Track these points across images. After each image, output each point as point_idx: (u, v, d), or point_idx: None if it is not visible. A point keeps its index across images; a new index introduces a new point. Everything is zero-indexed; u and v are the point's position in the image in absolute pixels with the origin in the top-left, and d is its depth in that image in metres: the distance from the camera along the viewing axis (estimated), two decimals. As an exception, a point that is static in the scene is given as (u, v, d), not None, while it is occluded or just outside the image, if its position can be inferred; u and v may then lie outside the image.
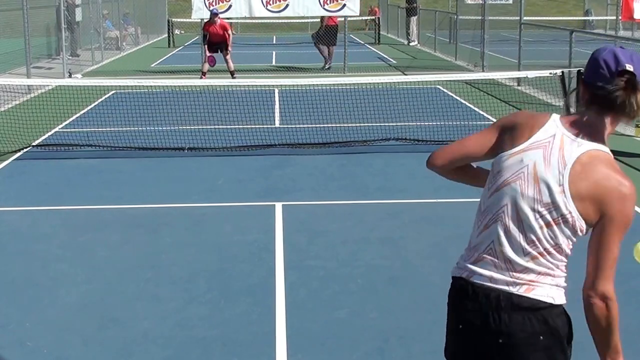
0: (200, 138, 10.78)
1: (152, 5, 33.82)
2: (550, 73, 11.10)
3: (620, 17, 19.40)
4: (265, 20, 31.97)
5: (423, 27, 28.91)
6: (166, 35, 30.82)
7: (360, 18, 32.13)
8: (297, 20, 32.25)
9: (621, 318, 5.39)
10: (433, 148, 11.54)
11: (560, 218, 2.52)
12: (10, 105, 14.10)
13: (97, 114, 13.21)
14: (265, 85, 14.38)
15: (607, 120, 2.56)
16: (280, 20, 32.60)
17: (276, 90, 15.30)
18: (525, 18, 17.90)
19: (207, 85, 13.71)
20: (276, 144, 10.68)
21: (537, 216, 2.54)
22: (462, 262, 2.72)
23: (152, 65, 22.46)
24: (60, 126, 12.16)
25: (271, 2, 18.68)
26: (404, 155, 10.16)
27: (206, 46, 17.98)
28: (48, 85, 14.89)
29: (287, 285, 5.77)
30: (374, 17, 33.19)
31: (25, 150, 10.45)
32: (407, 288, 5.76)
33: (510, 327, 2.58)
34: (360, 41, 31.30)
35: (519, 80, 16.34)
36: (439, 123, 11.84)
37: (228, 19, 19.74)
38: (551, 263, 2.59)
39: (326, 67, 20.53)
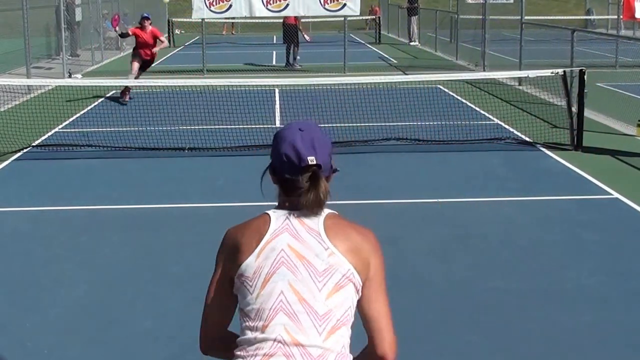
0: (201, 138, 10.77)
1: (152, 5, 33.81)
2: (552, 72, 11.08)
3: (621, 17, 19.38)
4: (265, 20, 31.92)
5: (424, 26, 28.90)
6: (166, 35, 30.81)
7: (361, 17, 32.10)
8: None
9: (621, 317, 5.40)
10: (434, 148, 11.51)
11: (343, 280, 2.38)
12: (10, 106, 14.09)
13: (97, 114, 13.20)
14: (265, 85, 14.37)
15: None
16: (280, 20, 32.56)
17: (276, 90, 15.29)
18: (526, 17, 17.88)
19: (207, 85, 13.69)
20: (276, 144, 10.65)
21: (320, 286, 2.34)
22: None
23: (152, 65, 22.43)
24: (60, 126, 12.15)
25: (271, 2, 18.66)
26: (405, 155, 10.15)
27: (134, 59, 15.07)
28: (48, 86, 14.88)
29: (287, 286, 5.75)
30: (374, 17, 33.18)
31: (25, 150, 10.45)
32: (407, 288, 5.74)
33: None
34: (360, 41, 31.29)
35: (520, 80, 16.32)
36: (439, 123, 11.83)
37: (228, 18, 19.74)
38: (345, 340, 2.42)
39: (296, 67, 20.69)
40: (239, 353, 2.35)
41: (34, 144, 10.79)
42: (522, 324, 5.12)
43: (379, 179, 8.89)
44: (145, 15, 15.13)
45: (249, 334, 2.34)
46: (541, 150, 10.38)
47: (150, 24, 14.95)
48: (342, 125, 11.97)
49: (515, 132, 11.48)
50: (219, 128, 11.66)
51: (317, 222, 2.51)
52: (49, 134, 11.64)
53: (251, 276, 2.38)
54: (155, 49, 15.03)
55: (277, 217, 2.51)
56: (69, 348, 4.81)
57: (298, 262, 2.37)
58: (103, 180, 9.00)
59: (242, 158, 10.03)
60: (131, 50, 16.33)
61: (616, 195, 8.16)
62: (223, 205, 7.95)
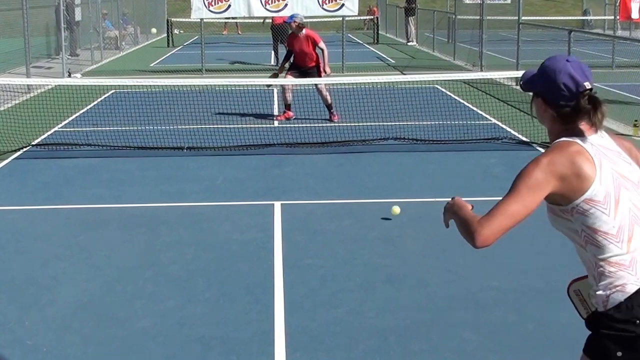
0: (200, 137, 10.80)
1: (151, 4, 33.82)
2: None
3: (618, 17, 19.42)
4: (265, 20, 31.95)
5: (421, 26, 28.92)
6: (165, 35, 30.83)
7: (359, 18, 32.14)
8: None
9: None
10: (431, 147, 11.50)
11: None
12: (9, 105, 14.11)
13: (96, 114, 13.23)
14: (265, 85, 14.38)
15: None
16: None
17: (275, 90, 15.32)
18: (523, 18, 17.91)
19: (207, 85, 13.72)
20: (275, 144, 10.70)
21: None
22: (630, 278, 2.77)
23: (151, 65, 22.47)
24: (60, 125, 12.17)
25: (270, 2, 18.69)
26: (403, 154, 10.18)
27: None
28: (47, 85, 14.91)
29: (285, 284, 5.79)
30: (372, 17, 33.21)
31: (25, 149, 10.47)
32: (405, 287, 5.78)
33: None
34: (358, 41, 31.30)
35: (517, 80, 16.35)
36: (437, 123, 11.87)
37: (229, 18, 19.76)
38: None
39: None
40: (615, 259, 2.79)
41: (33, 143, 10.82)
42: (521, 322, 5.15)
43: (376, 179, 8.92)
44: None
45: (616, 249, 2.78)
46: (538, 150, 10.42)
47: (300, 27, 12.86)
48: (341, 124, 12.00)
49: (513, 131, 11.52)
50: (217, 127, 11.69)
51: (610, 142, 2.91)
52: (49, 133, 11.66)
53: (602, 200, 2.78)
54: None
55: (586, 145, 2.83)
56: (67, 346, 4.84)
57: (624, 181, 2.83)
58: (102, 179, 9.02)
59: (241, 157, 10.05)
60: (130, 50, 16.26)
61: (613, 195, 8.19)
62: (222, 205, 7.98)
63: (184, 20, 33.31)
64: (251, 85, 14.31)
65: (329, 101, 12.62)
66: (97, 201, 8.10)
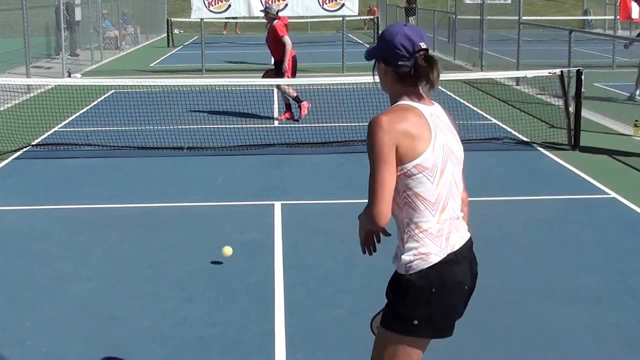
0: (200, 137, 10.80)
1: (151, 5, 33.82)
2: (549, 72, 11.12)
3: (618, 17, 19.42)
4: (264, 20, 31.96)
5: (422, 26, 28.90)
6: (165, 34, 30.83)
7: (359, 18, 32.15)
8: (297, 20, 32.23)
9: (618, 316, 5.43)
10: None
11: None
12: (9, 105, 14.11)
13: (96, 114, 13.22)
14: (264, 85, 14.39)
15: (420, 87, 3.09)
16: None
17: (275, 90, 15.30)
18: (523, 18, 17.90)
19: (207, 85, 13.71)
20: (275, 144, 10.69)
21: (460, 171, 3.19)
22: (434, 248, 3.01)
23: (151, 65, 22.47)
24: (60, 125, 12.17)
25: (270, 2, 18.68)
26: (403, 154, 10.16)
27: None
28: (47, 85, 14.89)
29: (286, 284, 5.79)
30: (372, 17, 33.21)
31: (24, 149, 10.47)
32: (406, 287, 5.77)
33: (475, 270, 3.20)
34: (359, 41, 31.31)
35: (517, 80, 16.35)
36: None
37: (229, 18, 19.77)
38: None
39: None
40: (426, 226, 3.02)
41: (33, 143, 10.81)
42: (520, 322, 5.15)
43: (377, 179, 8.90)
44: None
45: (428, 219, 3.02)
46: (538, 150, 10.42)
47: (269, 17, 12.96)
48: (341, 124, 12.00)
49: (513, 132, 11.51)
50: (217, 127, 11.69)
51: (445, 117, 3.16)
52: (49, 133, 11.66)
53: (431, 168, 3.00)
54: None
55: (425, 113, 3.04)
56: (67, 346, 4.83)
57: (452, 155, 3.10)
58: (102, 179, 9.02)
59: (241, 157, 10.05)
60: (130, 50, 16.27)
61: (613, 194, 8.20)
62: (222, 205, 7.98)
63: (184, 20, 33.32)
64: (251, 85, 14.30)
65: (294, 94, 12.63)
66: (97, 201, 8.09)
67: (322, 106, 12.72)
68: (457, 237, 3.08)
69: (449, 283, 3.02)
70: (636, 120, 11.38)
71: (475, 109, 13.54)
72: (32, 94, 15.32)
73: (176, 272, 6.09)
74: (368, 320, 5.26)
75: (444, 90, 15.54)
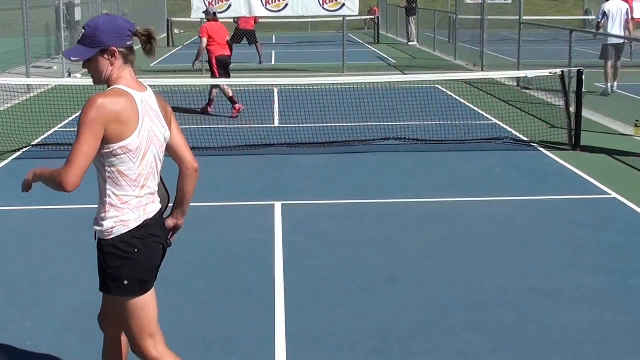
0: (200, 137, 10.79)
1: (151, 4, 33.82)
2: (550, 72, 11.12)
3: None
4: (265, 20, 31.94)
5: (422, 26, 28.91)
6: (165, 34, 30.83)
7: (360, 17, 32.15)
8: (297, 20, 32.27)
9: (620, 316, 5.42)
10: (432, 148, 11.47)
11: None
12: (9, 105, 14.10)
13: (96, 114, 13.19)
14: (264, 85, 14.39)
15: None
16: (279, 20, 32.62)
17: (275, 90, 15.31)
18: (524, 17, 17.90)
19: (207, 85, 13.71)
20: (275, 144, 10.69)
21: (162, 153, 3.63)
22: (133, 216, 3.43)
23: (152, 65, 22.46)
24: (60, 125, 12.16)
25: (270, 2, 18.68)
26: (403, 154, 10.17)
27: None
28: (47, 85, 14.89)
29: (286, 285, 5.78)
30: (373, 17, 33.20)
31: (24, 149, 10.46)
32: (406, 287, 5.77)
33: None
34: (359, 41, 31.30)
35: (518, 80, 16.35)
36: (438, 123, 11.86)
37: (228, 18, 19.75)
38: None
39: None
40: (127, 199, 3.43)
41: (33, 143, 10.81)
42: (520, 323, 5.14)
43: (377, 179, 8.91)
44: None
45: (129, 193, 3.43)
46: (539, 150, 10.41)
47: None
48: (341, 124, 11.99)
49: (514, 132, 11.50)
50: (217, 127, 11.69)
51: (155, 103, 3.52)
52: (49, 133, 11.65)
53: (134, 150, 3.37)
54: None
55: (137, 99, 3.38)
56: (68, 346, 4.83)
57: (155, 139, 3.48)
58: (102, 179, 9.00)
59: (241, 157, 10.05)
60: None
61: (614, 194, 8.19)
62: (222, 205, 7.98)
63: (184, 20, 33.30)
64: (251, 85, 14.30)
65: (229, 94, 13.02)
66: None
67: (322, 106, 12.71)
68: (153, 207, 3.52)
69: (148, 243, 3.45)
70: (637, 120, 11.38)
71: (475, 108, 13.54)
72: (32, 94, 15.32)
73: (176, 272, 6.08)
74: (368, 320, 5.27)
75: (444, 90, 15.55)
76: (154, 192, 3.59)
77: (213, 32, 13.10)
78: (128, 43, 3.41)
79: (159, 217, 3.60)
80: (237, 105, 13.03)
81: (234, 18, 21.33)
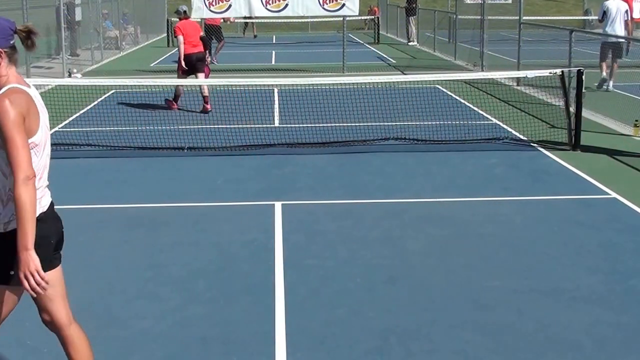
0: (200, 138, 10.80)
1: (151, 5, 33.81)
2: (550, 72, 11.12)
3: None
4: (265, 20, 31.94)
5: (422, 26, 28.92)
6: (165, 34, 30.82)
7: (360, 18, 32.14)
8: (297, 20, 32.26)
9: (620, 316, 5.42)
10: (432, 147, 11.46)
11: None
12: (9, 105, 14.07)
13: (96, 114, 13.21)
14: (264, 85, 14.39)
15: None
16: (280, 20, 32.61)
17: (275, 90, 15.32)
18: (524, 17, 17.90)
19: (207, 85, 13.70)
20: (275, 144, 10.69)
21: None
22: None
23: (152, 65, 22.47)
24: (60, 126, 12.16)
25: (270, 2, 18.68)
26: (403, 154, 10.17)
27: None
28: (48, 85, 14.88)
29: (286, 285, 5.78)
30: (373, 17, 33.21)
31: (24, 149, 10.44)
32: (406, 287, 5.77)
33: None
34: (359, 41, 31.30)
35: (518, 80, 16.35)
36: (438, 123, 11.86)
37: (228, 18, 19.76)
38: None
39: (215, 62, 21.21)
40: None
41: (33, 144, 10.79)
42: (520, 323, 5.14)
43: (377, 179, 8.91)
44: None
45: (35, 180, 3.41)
46: (539, 150, 10.42)
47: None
48: (341, 124, 11.99)
49: (514, 132, 11.51)
50: (218, 128, 11.69)
51: (39, 97, 3.61)
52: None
53: (39, 144, 3.47)
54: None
55: (33, 96, 3.51)
56: (68, 346, 4.82)
57: (48, 131, 3.61)
58: (102, 179, 9.02)
59: (241, 157, 10.05)
60: (130, 50, 16.30)
61: (614, 194, 8.20)
62: (222, 205, 7.98)
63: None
64: (251, 85, 14.30)
65: (206, 93, 13.35)
66: (98, 201, 8.09)
67: (322, 106, 12.71)
68: (47, 200, 3.57)
69: (38, 237, 3.38)
70: (636, 120, 11.38)
71: (475, 108, 13.54)
72: (32, 94, 15.28)
73: (177, 272, 6.09)
74: (368, 320, 5.27)
75: (444, 90, 15.55)
76: (48, 184, 3.65)
77: (185, 30, 13.54)
78: (11, 42, 3.50)
79: (52, 211, 3.65)
80: (207, 106, 13.28)
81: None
